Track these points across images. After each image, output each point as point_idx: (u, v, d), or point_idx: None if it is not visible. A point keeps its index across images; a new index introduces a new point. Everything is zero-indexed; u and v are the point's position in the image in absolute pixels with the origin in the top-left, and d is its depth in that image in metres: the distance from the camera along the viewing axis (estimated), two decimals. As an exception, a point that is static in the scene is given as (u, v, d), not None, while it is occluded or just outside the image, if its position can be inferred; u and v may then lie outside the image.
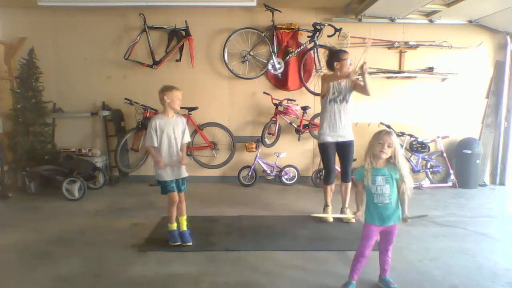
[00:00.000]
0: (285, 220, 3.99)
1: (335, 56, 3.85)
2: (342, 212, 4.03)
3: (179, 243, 3.31)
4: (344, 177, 3.98)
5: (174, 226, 3.42)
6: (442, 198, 4.95)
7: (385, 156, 2.40)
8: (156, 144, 3.26)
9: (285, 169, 5.54)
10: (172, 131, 3.29)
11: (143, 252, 3.22)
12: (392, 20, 5.43)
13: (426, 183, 5.46)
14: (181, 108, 5.40)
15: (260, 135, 5.44)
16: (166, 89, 3.30)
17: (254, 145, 5.47)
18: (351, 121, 3.94)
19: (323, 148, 3.92)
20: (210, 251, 3.24)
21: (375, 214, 2.48)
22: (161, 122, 3.29)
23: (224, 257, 3.12)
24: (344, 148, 3.91)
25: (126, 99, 5.36)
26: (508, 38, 5.50)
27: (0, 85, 5.46)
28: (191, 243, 3.33)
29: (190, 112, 5.46)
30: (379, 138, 2.42)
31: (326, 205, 4.07)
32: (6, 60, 5.49)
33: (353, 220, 3.87)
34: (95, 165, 5.27)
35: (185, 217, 3.46)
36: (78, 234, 3.63)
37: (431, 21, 5.40)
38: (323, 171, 4.09)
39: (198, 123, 5.49)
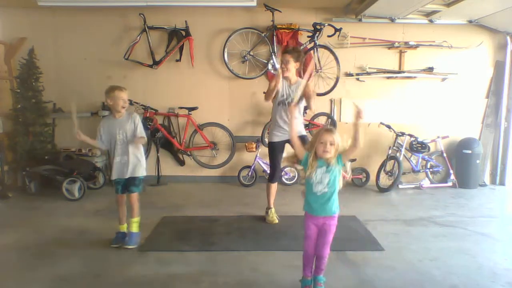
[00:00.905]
0: (285, 220, 3.98)
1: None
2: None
3: (116, 245, 3.29)
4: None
5: (122, 227, 3.41)
6: (442, 198, 4.95)
7: (328, 155, 2.37)
8: (99, 143, 3.33)
9: (285, 169, 5.53)
10: (118, 132, 3.27)
11: (143, 252, 3.22)
12: (392, 20, 5.43)
13: (426, 183, 5.46)
14: (181, 108, 5.51)
15: (260, 135, 5.44)
16: (108, 91, 3.28)
17: (254, 145, 5.47)
18: (302, 122, 3.91)
19: (270, 147, 3.89)
20: (210, 251, 3.24)
21: (311, 203, 2.46)
22: (105, 124, 3.32)
23: (224, 257, 3.11)
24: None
25: (126, 99, 5.35)
26: (508, 38, 5.50)
27: (0, 85, 5.46)
28: (132, 246, 3.27)
29: (190, 112, 5.47)
30: (320, 138, 2.38)
31: (269, 208, 3.99)
32: (6, 60, 5.48)
33: (276, 221, 3.91)
34: (95, 165, 5.27)
35: (135, 219, 3.39)
36: (78, 234, 3.64)
37: (431, 21, 5.40)
38: (271, 170, 4.00)
39: (198, 123, 5.50)
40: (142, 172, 3.37)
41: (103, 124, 3.34)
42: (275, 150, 3.86)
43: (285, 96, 3.74)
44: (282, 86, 3.75)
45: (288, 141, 3.77)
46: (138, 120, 3.37)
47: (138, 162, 3.34)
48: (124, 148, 3.28)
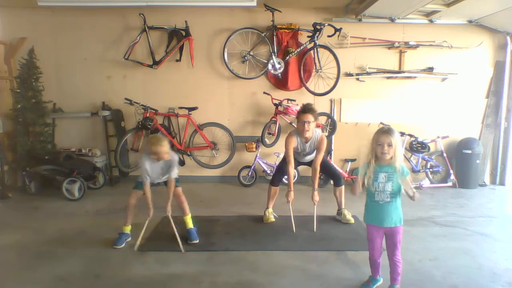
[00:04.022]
0: (285, 220, 3.98)
1: (298, 114, 3.82)
2: (338, 213, 4.03)
3: (120, 246, 3.31)
4: (337, 182, 3.97)
5: (128, 229, 3.46)
6: (442, 198, 4.95)
7: (387, 156, 2.37)
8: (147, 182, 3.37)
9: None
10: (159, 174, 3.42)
11: (143, 252, 3.23)
12: (392, 20, 5.43)
13: (426, 183, 5.46)
14: (181, 108, 5.51)
15: (260, 135, 5.44)
16: (151, 145, 3.29)
17: (254, 145, 5.47)
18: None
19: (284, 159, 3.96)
20: (210, 251, 3.24)
21: (373, 213, 2.47)
22: (147, 165, 3.35)
23: (224, 257, 3.12)
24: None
25: (126, 99, 5.36)
26: (508, 38, 5.50)
27: (0, 85, 5.46)
28: (197, 241, 3.38)
29: (190, 112, 5.46)
30: (378, 140, 2.39)
31: (266, 208, 4.04)
32: (6, 60, 5.49)
33: (352, 221, 3.88)
34: (95, 165, 5.27)
35: (189, 216, 3.51)
36: (78, 234, 3.64)
37: (431, 21, 5.40)
38: (274, 173, 4.11)
39: (198, 123, 5.49)
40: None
41: (146, 164, 3.35)
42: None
43: (299, 150, 3.89)
44: (298, 143, 3.84)
45: (303, 164, 4.05)
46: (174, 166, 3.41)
47: None
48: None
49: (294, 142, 3.80)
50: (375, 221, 2.47)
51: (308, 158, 3.98)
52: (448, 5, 4.78)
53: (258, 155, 5.50)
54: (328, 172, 4.09)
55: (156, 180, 3.45)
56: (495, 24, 5.34)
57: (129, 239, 3.44)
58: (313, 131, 3.79)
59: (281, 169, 4.03)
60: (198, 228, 3.54)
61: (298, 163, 4.06)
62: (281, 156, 5.49)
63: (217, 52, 5.58)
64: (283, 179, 4.21)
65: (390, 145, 2.35)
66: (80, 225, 3.87)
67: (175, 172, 3.39)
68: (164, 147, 3.28)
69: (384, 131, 2.40)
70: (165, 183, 3.49)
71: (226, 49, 5.42)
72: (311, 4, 5.42)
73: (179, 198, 3.47)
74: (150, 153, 3.28)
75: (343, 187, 4.00)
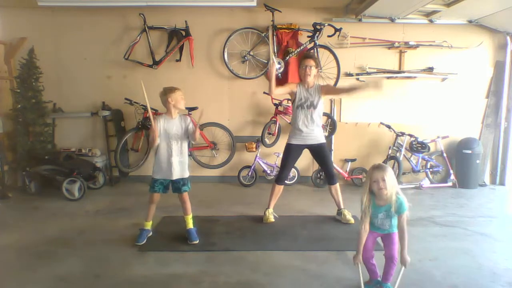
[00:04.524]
0: (285, 220, 3.99)
1: (300, 60, 3.85)
2: (338, 213, 4.02)
3: (142, 243, 3.33)
4: (330, 180, 3.96)
5: (149, 225, 3.48)
6: (442, 198, 4.95)
7: (386, 191, 2.37)
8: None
9: (286, 169, 5.53)
10: (174, 132, 3.37)
11: (143, 252, 3.23)
12: (392, 20, 5.43)
13: (426, 183, 5.46)
14: (181, 108, 5.50)
15: (260, 135, 5.44)
16: (169, 91, 3.42)
17: (254, 145, 5.47)
18: (321, 126, 3.94)
19: (287, 148, 3.92)
20: (210, 251, 3.24)
21: (373, 226, 2.51)
22: (161, 122, 3.36)
23: (224, 257, 3.12)
24: (316, 151, 3.91)
25: (126, 99, 5.35)
26: (508, 38, 5.50)
27: (0, 85, 5.46)
28: (195, 241, 3.36)
29: (190, 112, 5.46)
30: (372, 177, 2.40)
31: (267, 208, 4.01)
32: (6, 60, 5.48)
33: (352, 221, 3.87)
34: (95, 165, 5.27)
35: (190, 216, 3.51)
36: (78, 234, 3.64)
37: (431, 21, 5.40)
38: (280, 170, 4.04)
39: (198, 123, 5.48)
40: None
41: (160, 122, 3.37)
42: (290, 152, 3.89)
43: (303, 100, 3.79)
44: (299, 90, 3.80)
45: (307, 146, 3.90)
46: (189, 120, 3.48)
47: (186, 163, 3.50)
48: (179, 148, 3.41)
49: (294, 86, 3.81)
50: (373, 229, 2.52)
51: (314, 131, 3.81)
52: (448, 5, 4.78)
53: (258, 155, 5.50)
54: (324, 165, 3.98)
55: (171, 139, 3.34)
56: (495, 24, 5.34)
57: (151, 234, 3.46)
58: (314, 80, 3.82)
59: (287, 165, 3.95)
60: (198, 228, 3.54)
61: (303, 146, 3.89)
62: (281, 156, 5.50)
63: (217, 52, 5.58)
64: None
65: (384, 179, 2.36)
66: (80, 225, 3.87)
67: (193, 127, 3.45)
68: (180, 92, 3.42)
69: (376, 167, 2.44)
70: (174, 187, 3.47)
71: (226, 49, 5.42)
72: (311, 4, 5.42)
73: (183, 198, 3.49)
74: (166, 103, 3.37)
75: (337, 185, 3.97)
